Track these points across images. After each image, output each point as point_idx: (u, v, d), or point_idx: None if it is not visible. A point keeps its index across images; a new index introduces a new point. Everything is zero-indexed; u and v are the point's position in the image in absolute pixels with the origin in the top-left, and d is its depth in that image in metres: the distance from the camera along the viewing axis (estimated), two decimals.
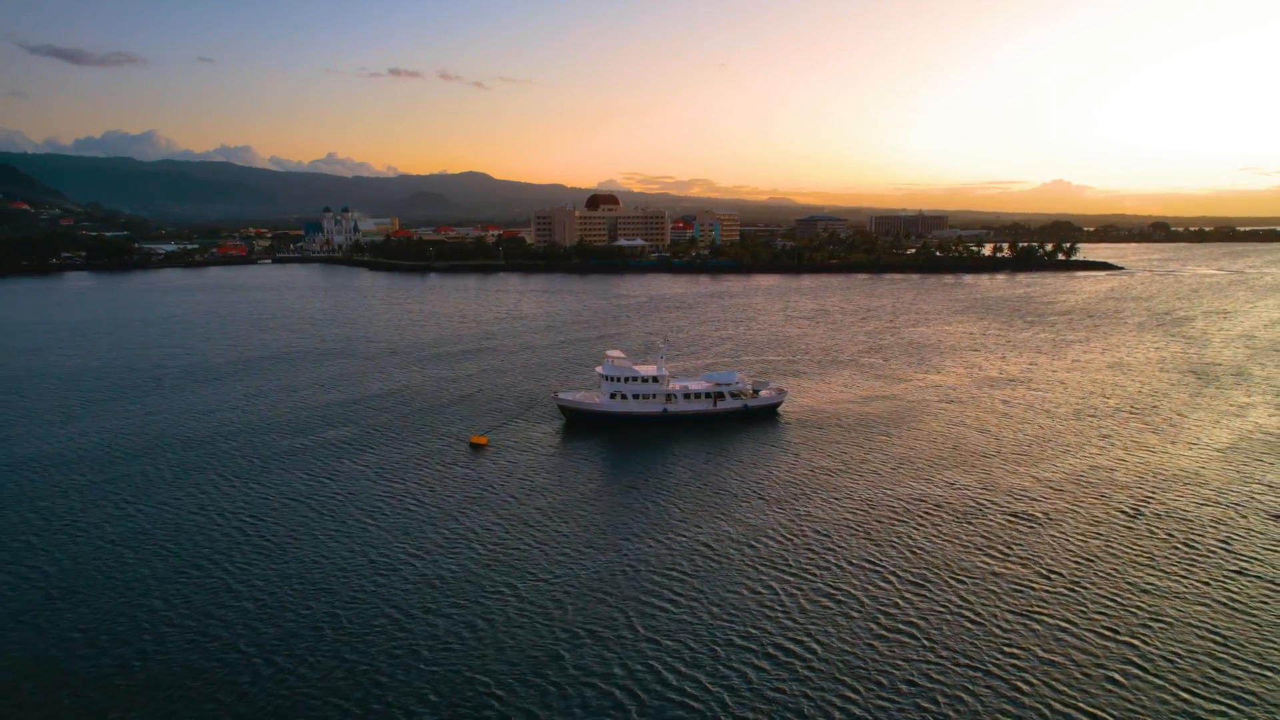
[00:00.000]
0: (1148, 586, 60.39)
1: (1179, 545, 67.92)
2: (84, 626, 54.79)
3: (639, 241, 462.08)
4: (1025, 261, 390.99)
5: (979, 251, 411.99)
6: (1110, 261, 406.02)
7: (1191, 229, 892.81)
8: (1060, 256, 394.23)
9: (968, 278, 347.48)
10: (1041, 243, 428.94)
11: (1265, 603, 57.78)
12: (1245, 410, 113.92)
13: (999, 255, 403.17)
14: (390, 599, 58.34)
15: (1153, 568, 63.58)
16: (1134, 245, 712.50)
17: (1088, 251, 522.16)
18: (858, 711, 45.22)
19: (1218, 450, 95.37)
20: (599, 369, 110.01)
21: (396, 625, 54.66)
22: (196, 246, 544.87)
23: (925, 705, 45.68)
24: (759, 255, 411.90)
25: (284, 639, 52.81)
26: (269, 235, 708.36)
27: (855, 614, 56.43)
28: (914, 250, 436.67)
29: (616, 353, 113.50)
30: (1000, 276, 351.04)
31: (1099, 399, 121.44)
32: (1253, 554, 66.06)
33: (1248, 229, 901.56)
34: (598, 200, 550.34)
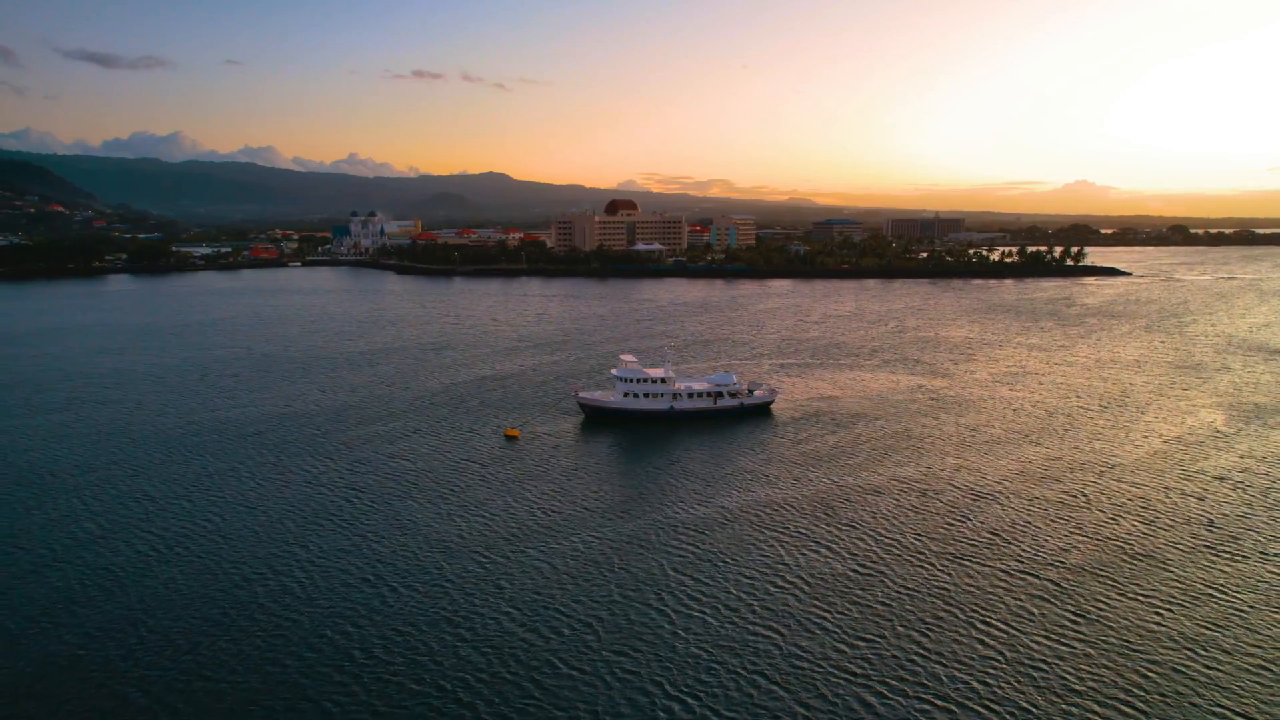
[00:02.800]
0: (1068, 545, 73.87)
1: (1106, 518, 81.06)
2: (243, 562, 70.55)
3: (656, 246, 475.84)
4: (1033, 267, 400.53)
5: (988, 257, 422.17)
6: (1117, 267, 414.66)
7: (1212, 231, 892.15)
8: (1069, 262, 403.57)
9: (975, 283, 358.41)
10: (1051, 247, 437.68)
11: (1167, 558, 71.20)
12: (1197, 409, 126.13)
13: (1007, 260, 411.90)
14: (474, 550, 73.76)
15: (1078, 533, 76.88)
16: (1151, 249, 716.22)
17: (1104, 255, 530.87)
18: (833, 625, 59.81)
19: (1165, 442, 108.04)
20: (613, 371, 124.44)
21: (483, 566, 70.26)
22: (230, 249, 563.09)
23: (883, 620, 60.13)
24: (773, 260, 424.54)
25: (401, 578, 68.09)
26: (295, 237, 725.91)
27: (835, 560, 70.96)
28: (925, 255, 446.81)
29: (629, 357, 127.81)
30: (1008, 282, 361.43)
31: (1073, 398, 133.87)
32: (1166, 524, 79.15)
33: (1268, 231, 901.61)
34: (616, 205, 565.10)
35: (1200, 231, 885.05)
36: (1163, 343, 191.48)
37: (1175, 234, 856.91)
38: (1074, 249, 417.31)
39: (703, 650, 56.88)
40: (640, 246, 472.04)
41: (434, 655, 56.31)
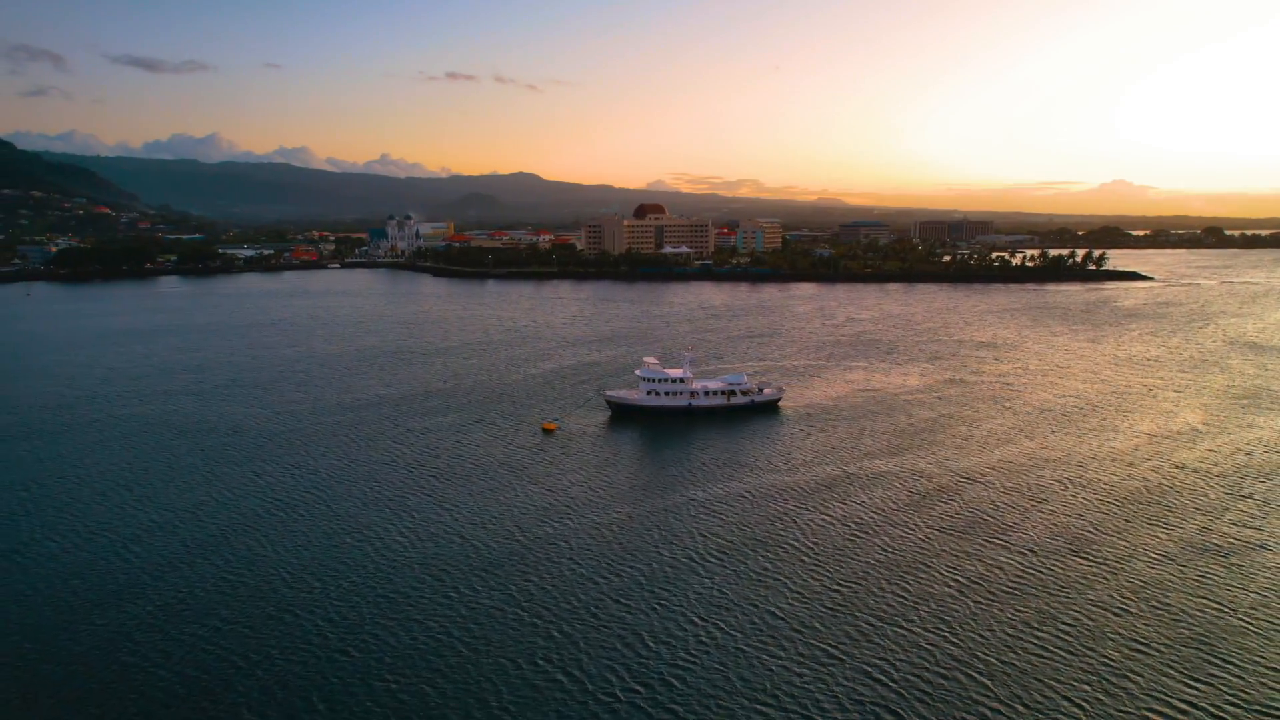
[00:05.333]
0: (1038, 519, 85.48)
1: (1076, 499, 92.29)
2: (352, 525, 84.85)
3: (684, 249, 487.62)
4: (1054, 271, 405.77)
5: (1010, 261, 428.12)
6: (1139, 271, 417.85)
7: (1248, 233, 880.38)
8: (1091, 267, 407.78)
9: (995, 287, 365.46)
10: (1074, 251, 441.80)
11: (1116, 530, 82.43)
12: (1181, 409, 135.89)
13: (1028, 265, 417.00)
14: (537, 518, 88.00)
15: (1048, 510, 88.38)
16: (1183, 251, 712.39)
17: (1134, 257, 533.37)
18: (828, 576, 72.70)
19: (1144, 437, 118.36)
20: (638, 372, 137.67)
21: (549, 529, 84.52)
22: (272, 252, 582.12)
23: (871, 572, 72.78)
24: (797, 264, 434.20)
25: (485, 536, 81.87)
26: (332, 239, 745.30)
27: (833, 527, 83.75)
28: (948, 259, 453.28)
29: (651, 359, 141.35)
30: (1028, 287, 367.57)
31: (1067, 397, 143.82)
32: (1126, 505, 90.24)
33: None
34: (645, 209, 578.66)
35: (1236, 233, 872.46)
36: (1162, 346, 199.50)
37: (1209, 235, 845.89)
38: (1096, 253, 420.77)
39: (726, 592, 71.03)
40: (668, 250, 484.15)
41: (517, 591, 71.18)
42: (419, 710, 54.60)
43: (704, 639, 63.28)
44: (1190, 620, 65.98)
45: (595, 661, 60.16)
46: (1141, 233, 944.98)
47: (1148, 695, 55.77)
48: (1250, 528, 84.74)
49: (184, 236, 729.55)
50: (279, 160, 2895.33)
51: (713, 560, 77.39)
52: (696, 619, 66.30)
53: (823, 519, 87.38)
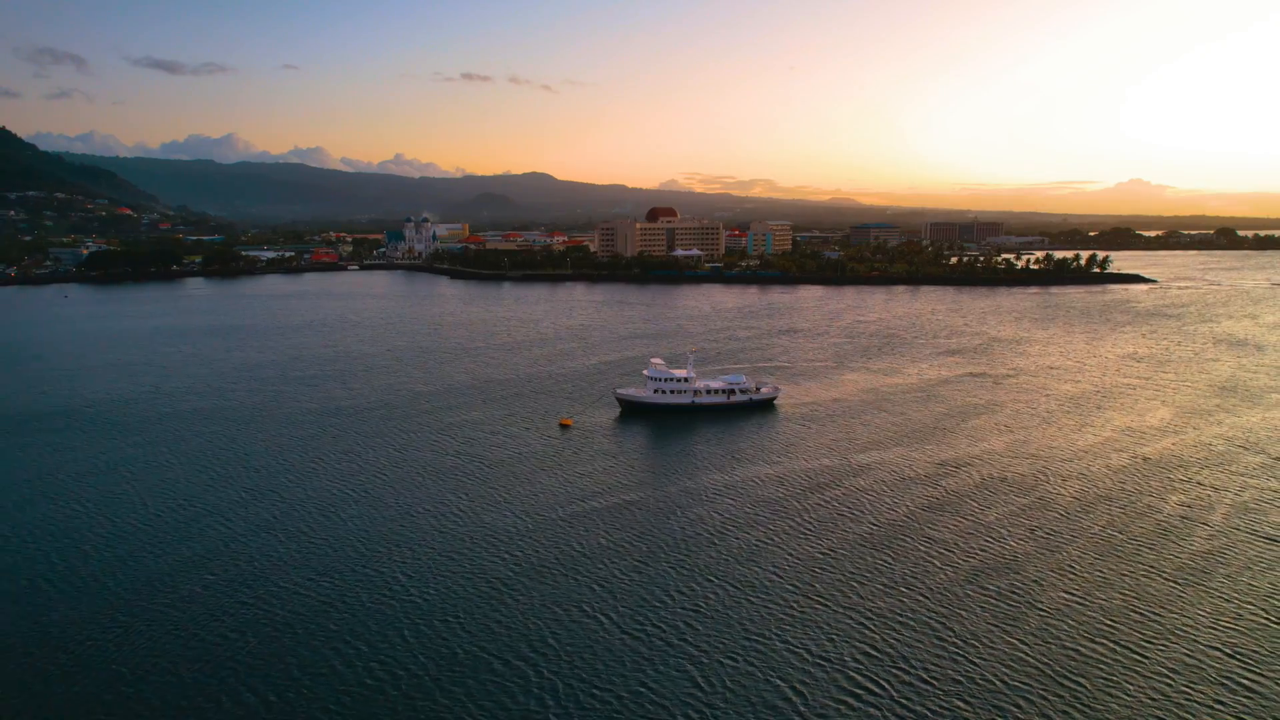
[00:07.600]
0: (1011, 501, 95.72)
1: (1046, 485, 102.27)
2: (405, 504, 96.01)
3: (695, 251, 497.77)
4: (1058, 274, 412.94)
5: (1015, 263, 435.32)
6: (1142, 274, 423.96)
7: (1261, 234, 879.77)
8: (1095, 270, 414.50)
9: (1000, 290, 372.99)
10: (1079, 253, 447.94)
11: (1076, 510, 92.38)
12: (1156, 406, 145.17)
13: (1034, 267, 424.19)
14: (570, 500, 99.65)
15: (1020, 494, 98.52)
16: (1194, 252, 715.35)
17: (1144, 259, 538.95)
18: (818, 545, 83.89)
19: (1118, 432, 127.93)
20: (645, 372, 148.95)
21: (580, 509, 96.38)
22: (292, 253, 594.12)
23: (855, 541, 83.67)
24: (805, 266, 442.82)
25: (524, 514, 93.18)
26: (349, 240, 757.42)
27: (823, 507, 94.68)
28: (955, 261, 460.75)
29: (658, 360, 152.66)
30: (1032, 289, 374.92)
31: (1054, 395, 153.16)
32: (1091, 488, 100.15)
33: None
34: (657, 213, 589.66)
35: (1249, 234, 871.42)
36: (1150, 347, 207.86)
37: (1222, 236, 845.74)
38: (1101, 255, 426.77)
39: (731, 557, 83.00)
40: (679, 252, 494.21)
41: (558, 556, 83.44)
42: (486, 644, 66.21)
43: (715, 592, 75.35)
44: (1113, 584, 76.24)
45: (628, 608, 72.31)
46: (1153, 233, 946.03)
47: (1070, 641, 66.03)
48: (1192, 507, 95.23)
49: (204, 238, 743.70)
50: (294, 160, 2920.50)
51: (719, 532, 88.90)
52: (708, 577, 78.12)
53: (813, 500, 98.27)
